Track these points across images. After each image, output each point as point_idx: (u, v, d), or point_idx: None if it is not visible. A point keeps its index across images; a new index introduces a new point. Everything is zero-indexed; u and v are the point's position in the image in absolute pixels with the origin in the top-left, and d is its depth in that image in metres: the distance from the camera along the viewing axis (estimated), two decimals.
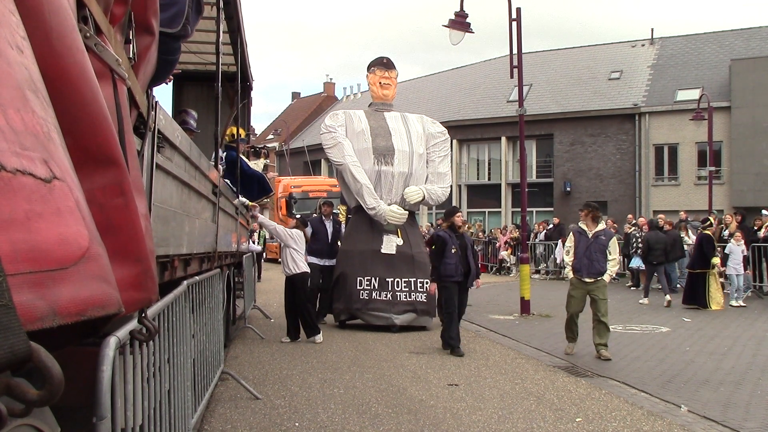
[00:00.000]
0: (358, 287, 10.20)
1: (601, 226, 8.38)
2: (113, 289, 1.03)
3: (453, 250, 8.33)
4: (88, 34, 1.49)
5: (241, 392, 6.20)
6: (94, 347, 2.09)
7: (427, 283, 9.99)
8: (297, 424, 5.31)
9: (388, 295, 10.13)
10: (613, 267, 8.17)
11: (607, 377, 7.02)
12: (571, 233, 8.63)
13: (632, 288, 16.81)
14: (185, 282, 4.18)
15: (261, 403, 5.91)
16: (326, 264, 11.01)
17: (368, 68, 11.36)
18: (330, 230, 11.26)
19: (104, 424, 2.04)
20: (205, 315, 5.33)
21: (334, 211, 12.00)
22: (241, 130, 9.04)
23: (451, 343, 8.27)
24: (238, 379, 6.39)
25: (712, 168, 21.39)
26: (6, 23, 0.97)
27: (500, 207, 31.45)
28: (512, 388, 6.55)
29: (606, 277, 8.03)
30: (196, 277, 4.70)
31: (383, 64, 11.28)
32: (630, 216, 20.69)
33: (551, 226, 22.10)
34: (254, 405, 5.84)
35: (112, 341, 2.14)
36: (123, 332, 2.26)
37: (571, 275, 8.25)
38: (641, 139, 28.41)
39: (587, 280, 8.02)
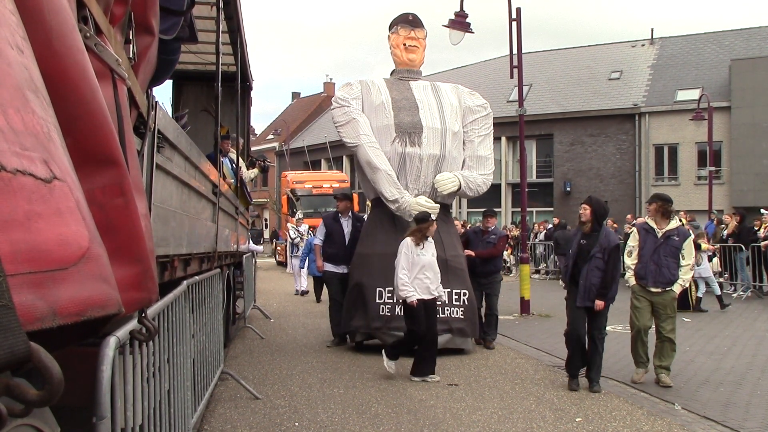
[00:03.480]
0: (378, 300, 8.18)
1: (674, 223, 6.77)
2: (113, 290, 1.03)
3: (571, 251, 6.78)
4: (88, 34, 1.49)
5: (241, 392, 6.20)
6: (94, 347, 2.09)
7: (464, 294, 8.29)
8: (297, 424, 5.31)
9: None
10: (685, 275, 6.66)
11: (607, 377, 7.01)
12: (635, 230, 7.15)
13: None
14: (185, 282, 4.18)
15: (261, 403, 5.91)
16: (345, 272, 9.13)
17: (390, 28, 9.12)
18: (347, 230, 9.31)
19: (104, 424, 2.04)
20: (205, 315, 5.33)
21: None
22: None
23: (568, 372, 6.63)
24: (238, 379, 6.39)
25: (712, 168, 21.40)
26: (6, 23, 0.96)
27: (500, 207, 31.43)
28: (512, 388, 6.55)
29: (676, 288, 6.64)
30: (196, 277, 4.70)
31: (408, 21, 8.99)
32: (629, 216, 20.69)
33: (551, 226, 22.11)
34: (254, 405, 5.84)
35: (111, 341, 2.14)
36: (123, 332, 2.26)
37: (632, 282, 6.82)
38: (641, 139, 28.44)
39: (653, 289, 6.66)
